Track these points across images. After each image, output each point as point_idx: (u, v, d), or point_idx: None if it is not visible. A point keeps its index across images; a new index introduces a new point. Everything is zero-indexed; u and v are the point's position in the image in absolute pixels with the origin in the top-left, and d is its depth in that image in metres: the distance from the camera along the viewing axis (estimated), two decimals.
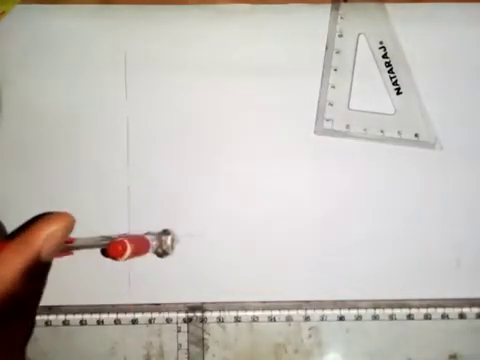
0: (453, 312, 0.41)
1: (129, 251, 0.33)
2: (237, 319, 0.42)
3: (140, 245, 0.36)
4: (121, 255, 0.33)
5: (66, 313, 0.41)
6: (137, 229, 0.41)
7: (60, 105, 0.42)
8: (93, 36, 0.42)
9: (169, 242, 0.39)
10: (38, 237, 0.22)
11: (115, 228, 0.41)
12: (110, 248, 0.33)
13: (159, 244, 0.38)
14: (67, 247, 0.32)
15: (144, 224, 0.41)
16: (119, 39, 0.42)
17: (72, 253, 0.34)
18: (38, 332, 0.41)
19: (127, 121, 0.42)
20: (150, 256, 0.38)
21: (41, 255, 0.22)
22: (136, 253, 0.34)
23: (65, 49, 0.42)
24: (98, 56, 0.42)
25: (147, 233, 0.39)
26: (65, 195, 0.41)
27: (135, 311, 0.41)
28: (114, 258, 0.33)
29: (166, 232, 0.39)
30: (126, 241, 0.33)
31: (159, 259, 0.41)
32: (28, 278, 0.21)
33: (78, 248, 0.33)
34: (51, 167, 0.41)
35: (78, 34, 0.42)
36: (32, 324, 0.23)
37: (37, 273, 0.22)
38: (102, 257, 0.39)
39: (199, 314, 0.41)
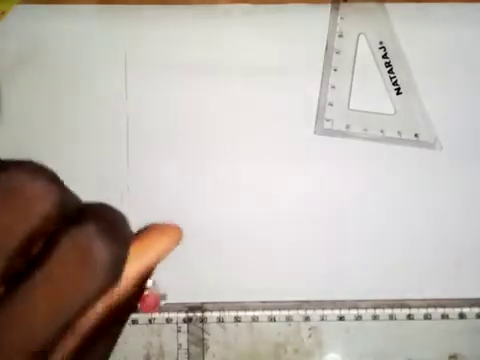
0: (453, 312, 0.41)
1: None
2: (237, 319, 0.41)
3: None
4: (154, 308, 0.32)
5: None
6: (137, 229, 0.41)
7: (60, 105, 0.42)
8: (93, 36, 0.42)
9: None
10: (156, 248, 0.22)
11: None
12: (144, 303, 0.32)
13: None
14: None
15: (144, 224, 0.41)
16: (119, 39, 0.42)
17: None
18: None
19: (127, 121, 0.42)
20: None
21: (153, 266, 0.22)
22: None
23: (65, 49, 0.42)
24: (98, 56, 0.42)
25: None
26: None
27: (135, 311, 0.41)
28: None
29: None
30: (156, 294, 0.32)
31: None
32: (137, 286, 0.21)
33: None
34: (51, 167, 0.41)
35: (78, 34, 0.42)
36: (117, 337, 0.23)
37: (142, 283, 0.22)
38: None
39: (199, 314, 0.41)
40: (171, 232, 0.24)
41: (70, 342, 0.19)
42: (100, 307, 0.20)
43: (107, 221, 0.20)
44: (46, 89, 0.42)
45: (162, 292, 0.39)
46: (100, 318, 0.20)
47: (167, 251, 0.23)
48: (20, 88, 0.42)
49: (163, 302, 0.40)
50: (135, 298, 0.23)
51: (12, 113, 0.41)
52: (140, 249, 0.23)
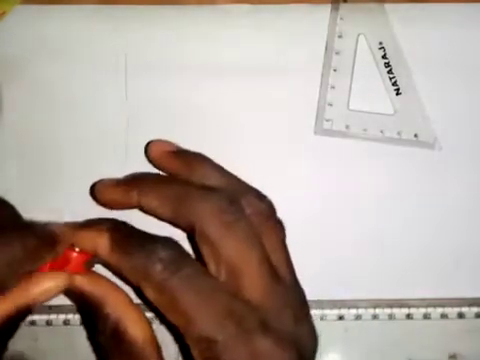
0: (452, 312, 0.41)
1: None
2: None
3: None
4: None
5: (67, 312, 0.41)
6: None
7: (59, 105, 0.42)
8: (93, 36, 0.42)
9: None
10: (33, 291, 0.24)
11: None
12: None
13: None
14: (92, 264, 0.31)
15: (144, 225, 0.41)
16: (119, 39, 0.42)
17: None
18: (38, 332, 0.41)
19: (127, 121, 0.42)
20: None
21: (30, 307, 0.24)
22: None
23: (65, 49, 0.42)
24: (98, 56, 0.42)
25: None
26: (65, 195, 0.41)
27: None
28: None
29: None
30: None
31: None
32: (8, 322, 0.23)
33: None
34: (51, 168, 0.42)
35: (78, 34, 0.42)
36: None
37: (17, 319, 0.24)
38: None
39: None
40: (49, 281, 0.24)
41: None
42: None
43: None
44: (46, 89, 0.42)
45: None
46: None
47: (46, 295, 0.24)
48: (20, 88, 0.42)
49: None
50: (6, 331, 0.24)
51: (12, 113, 0.41)
52: (14, 294, 0.24)
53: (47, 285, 0.24)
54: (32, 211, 0.41)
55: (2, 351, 0.24)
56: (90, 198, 0.41)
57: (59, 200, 0.41)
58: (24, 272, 0.22)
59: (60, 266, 0.26)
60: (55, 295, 0.25)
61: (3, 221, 0.23)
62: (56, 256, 0.25)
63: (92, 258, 0.29)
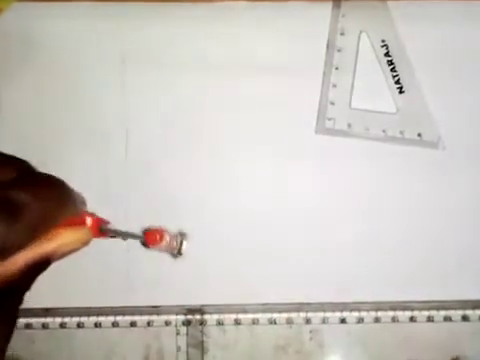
0: (456, 314, 0.41)
1: (165, 241, 0.35)
2: (237, 322, 0.41)
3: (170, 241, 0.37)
4: (158, 243, 0.34)
5: (63, 316, 0.41)
6: (137, 229, 0.41)
7: (59, 105, 0.41)
8: (92, 35, 0.42)
9: (185, 244, 0.38)
10: (54, 243, 0.24)
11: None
12: (148, 235, 0.34)
13: (177, 245, 0.38)
14: (106, 230, 0.32)
15: (144, 224, 0.41)
16: (118, 38, 0.42)
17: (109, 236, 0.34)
18: (35, 335, 0.41)
19: (127, 121, 0.42)
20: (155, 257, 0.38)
21: (49, 258, 0.24)
22: (167, 247, 0.36)
23: (64, 48, 0.42)
24: (97, 55, 0.42)
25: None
26: None
27: (134, 313, 0.41)
28: (148, 245, 0.34)
29: (182, 234, 0.39)
30: (164, 232, 0.35)
31: (158, 260, 0.40)
32: (28, 272, 0.23)
33: (116, 234, 0.33)
34: (51, 167, 0.41)
35: (77, 32, 0.42)
36: (14, 322, 0.24)
37: (36, 270, 0.24)
38: (100, 258, 0.39)
39: (198, 317, 0.41)
40: (76, 232, 0.26)
41: None
42: None
43: (10, 205, 0.22)
44: (45, 88, 0.41)
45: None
46: None
47: (67, 247, 0.25)
48: (19, 87, 0.41)
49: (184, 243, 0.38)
50: (25, 282, 0.24)
51: (11, 113, 0.41)
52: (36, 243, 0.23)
53: (68, 238, 0.25)
54: None
55: (19, 304, 0.24)
56: (92, 196, 0.41)
57: None
58: (56, 220, 0.23)
59: (77, 225, 0.27)
60: (74, 250, 0.26)
61: (28, 170, 0.24)
62: (77, 214, 0.26)
63: (106, 223, 0.30)
